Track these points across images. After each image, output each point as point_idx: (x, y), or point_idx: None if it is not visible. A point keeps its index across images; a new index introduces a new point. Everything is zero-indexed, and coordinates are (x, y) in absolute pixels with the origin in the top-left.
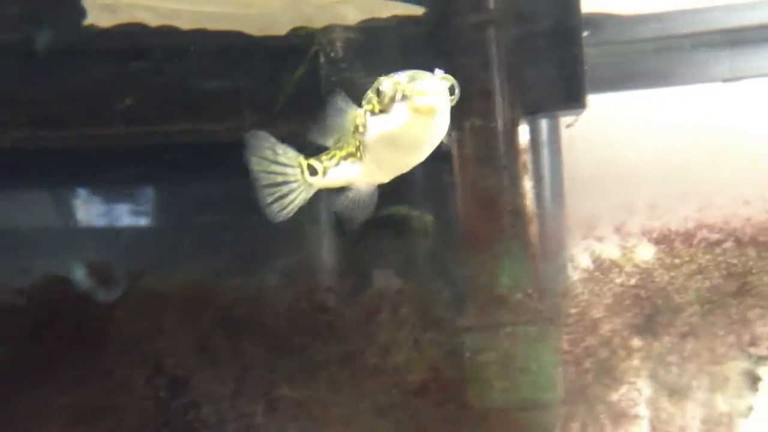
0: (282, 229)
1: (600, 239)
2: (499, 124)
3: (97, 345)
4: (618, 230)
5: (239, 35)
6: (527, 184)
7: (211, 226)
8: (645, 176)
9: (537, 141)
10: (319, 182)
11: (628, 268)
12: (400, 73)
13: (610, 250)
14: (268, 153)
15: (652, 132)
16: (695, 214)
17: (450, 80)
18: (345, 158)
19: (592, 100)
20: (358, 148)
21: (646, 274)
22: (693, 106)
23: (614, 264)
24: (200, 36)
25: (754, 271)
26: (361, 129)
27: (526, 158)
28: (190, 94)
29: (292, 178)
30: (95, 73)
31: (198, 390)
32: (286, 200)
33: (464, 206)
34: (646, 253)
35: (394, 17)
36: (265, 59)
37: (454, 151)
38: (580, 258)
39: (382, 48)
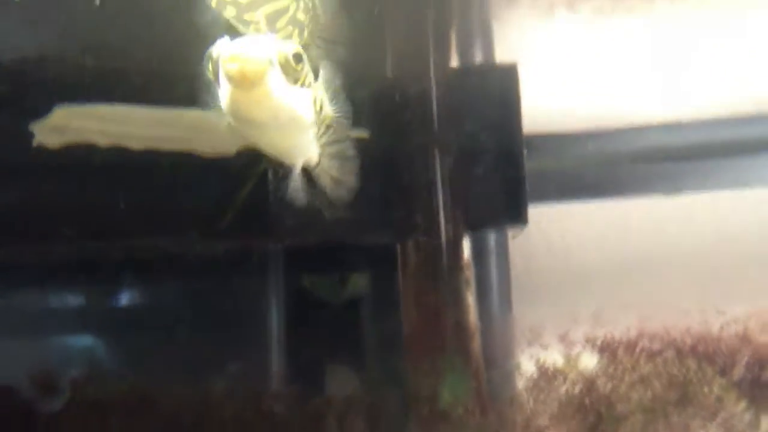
0: (229, 332)
1: (545, 347)
2: (443, 240)
3: None
4: (562, 338)
5: (189, 155)
6: (470, 298)
7: (156, 333)
8: (589, 286)
9: (483, 253)
10: None
11: (572, 376)
12: (244, 39)
13: (555, 358)
14: None
15: (596, 243)
16: (637, 324)
17: (288, 49)
18: None
19: (538, 211)
20: None
21: (589, 382)
22: (636, 218)
23: (559, 372)
24: (151, 156)
25: (694, 381)
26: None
27: (469, 273)
28: (140, 211)
29: None
30: (43, 191)
31: None
32: None
33: (407, 320)
34: (589, 361)
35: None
36: (215, 178)
37: (399, 265)
38: (525, 366)
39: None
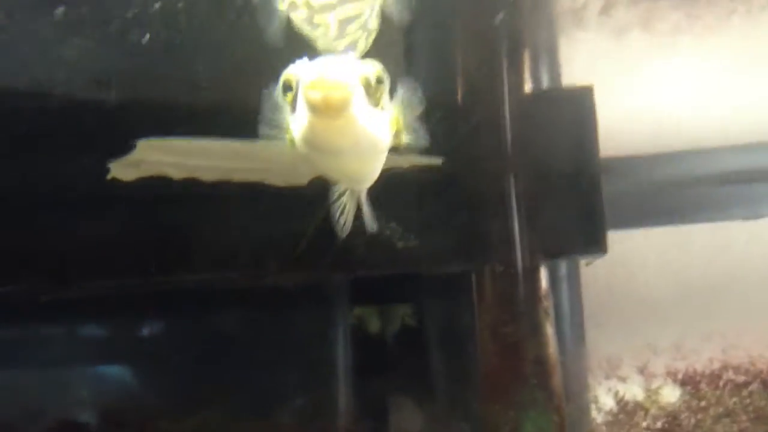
0: (297, 366)
1: (623, 380)
2: (519, 269)
3: None
4: (642, 371)
5: (261, 185)
6: (549, 330)
7: (226, 367)
8: (669, 316)
9: (557, 282)
10: None
11: (653, 411)
12: (328, 60)
13: (635, 391)
14: None
15: (675, 270)
16: (720, 355)
17: (371, 70)
18: None
19: (613, 237)
20: None
21: (672, 416)
22: (715, 244)
23: (639, 406)
24: (224, 187)
25: None
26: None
27: (548, 303)
28: (214, 243)
29: None
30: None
31: None
32: None
33: (484, 353)
34: (671, 394)
35: (414, 167)
36: (287, 207)
37: (474, 296)
38: (603, 399)
39: (400, 195)
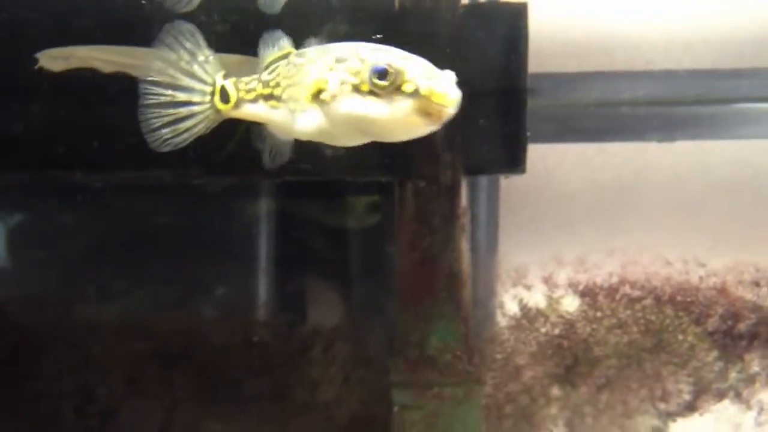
0: (219, 259)
1: (528, 288)
2: (441, 186)
3: (26, 374)
4: (546, 281)
5: None
6: (465, 245)
7: (149, 258)
8: (577, 230)
9: (476, 194)
10: (229, 113)
11: (553, 318)
12: (408, 57)
13: (538, 300)
14: (184, 56)
15: (589, 187)
16: (620, 270)
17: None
18: (266, 99)
19: (533, 151)
20: (291, 99)
21: (569, 324)
22: (628, 164)
23: (540, 313)
24: None
25: (670, 329)
26: (326, 98)
27: (465, 220)
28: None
29: (197, 98)
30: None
31: (127, 422)
32: (182, 126)
33: (400, 264)
34: (571, 304)
35: None
36: None
37: (396, 208)
38: (509, 306)
39: None
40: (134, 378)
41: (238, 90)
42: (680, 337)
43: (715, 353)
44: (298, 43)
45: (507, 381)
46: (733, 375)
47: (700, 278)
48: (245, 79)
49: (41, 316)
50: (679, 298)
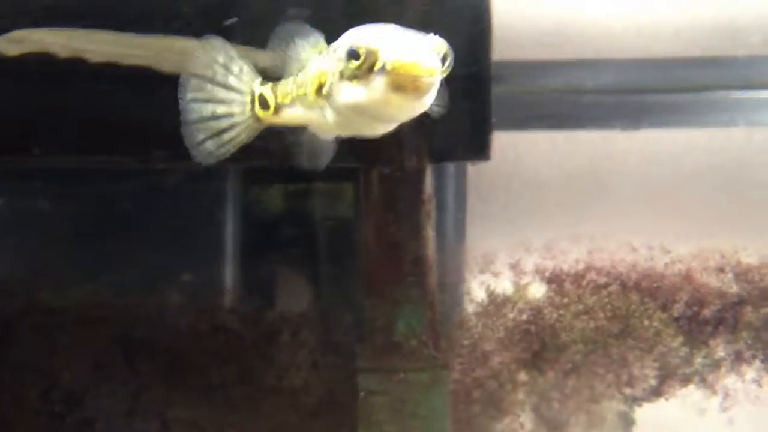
0: (186, 244)
1: (496, 275)
2: (406, 172)
3: None
4: (513, 267)
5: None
6: (430, 232)
7: (115, 243)
8: (545, 216)
9: (444, 180)
10: (269, 120)
11: (520, 305)
12: (381, 29)
13: (505, 286)
14: (219, 71)
15: (557, 174)
16: (586, 257)
17: (442, 47)
18: (300, 100)
19: (501, 138)
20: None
21: (536, 311)
22: (595, 151)
23: (508, 299)
24: (110, 70)
25: (636, 315)
26: (324, 91)
27: (430, 206)
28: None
29: (237, 109)
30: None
31: (93, 407)
32: (225, 138)
33: (366, 250)
34: (538, 290)
35: None
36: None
37: (361, 193)
38: (476, 292)
39: None
40: (100, 364)
41: (276, 96)
42: (646, 322)
43: (680, 339)
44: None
45: (474, 366)
46: (698, 360)
47: (666, 265)
48: (281, 82)
49: (3, 303)
50: (644, 284)
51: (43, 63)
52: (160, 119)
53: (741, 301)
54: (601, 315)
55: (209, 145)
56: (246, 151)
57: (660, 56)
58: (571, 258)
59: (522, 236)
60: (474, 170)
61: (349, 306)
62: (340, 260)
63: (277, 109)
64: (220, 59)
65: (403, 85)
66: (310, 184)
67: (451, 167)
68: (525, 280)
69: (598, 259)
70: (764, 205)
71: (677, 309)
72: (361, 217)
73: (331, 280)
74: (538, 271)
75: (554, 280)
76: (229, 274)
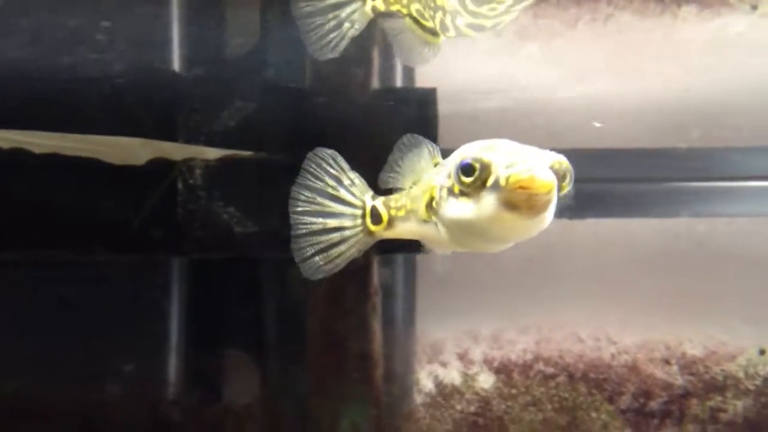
0: (128, 335)
1: (444, 365)
2: (353, 266)
3: None
4: (461, 357)
5: (96, 162)
6: (376, 326)
7: (53, 335)
8: (493, 307)
9: (392, 271)
10: (382, 234)
11: (468, 395)
12: (496, 143)
13: (453, 376)
14: (330, 183)
15: (504, 264)
16: (534, 347)
17: (562, 164)
18: (415, 214)
19: None
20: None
21: (484, 402)
22: (541, 241)
23: (456, 390)
24: (54, 160)
25: (583, 407)
26: (434, 205)
27: (377, 299)
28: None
29: (348, 223)
30: None
31: None
32: (334, 252)
33: (311, 346)
34: (486, 381)
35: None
36: (122, 186)
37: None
38: (424, 382)
39: (242, 179)
40: None
41: (389, 209)
42: (593, 414)
43: (627, 431)
44: None
45: None
46: None
47: (612, 355)
48: (395, 196)
49: None
50: (592, 375)
51: None
52: (100, 211)
53: (687, 394)
54: (549, 407)
55: (318, 259)
56: (190, 242)
57: (606, 147)
58: (518, 348)
59: (470, 326)
60: (423, 259)
61: (296, 398)
62: (288, 351)
63: (390, 222)
64: (332, 171)
65: (516, 202)
66: (256, 274)
67: (399, 257)
68: (473, 370)
69: (545, 350)
70: (706, 296)
71: (624, 401)
72: (307, 311)
73: (278, 371)
74: (486, 361)
75: (502, 370)
76: (173, 366)
